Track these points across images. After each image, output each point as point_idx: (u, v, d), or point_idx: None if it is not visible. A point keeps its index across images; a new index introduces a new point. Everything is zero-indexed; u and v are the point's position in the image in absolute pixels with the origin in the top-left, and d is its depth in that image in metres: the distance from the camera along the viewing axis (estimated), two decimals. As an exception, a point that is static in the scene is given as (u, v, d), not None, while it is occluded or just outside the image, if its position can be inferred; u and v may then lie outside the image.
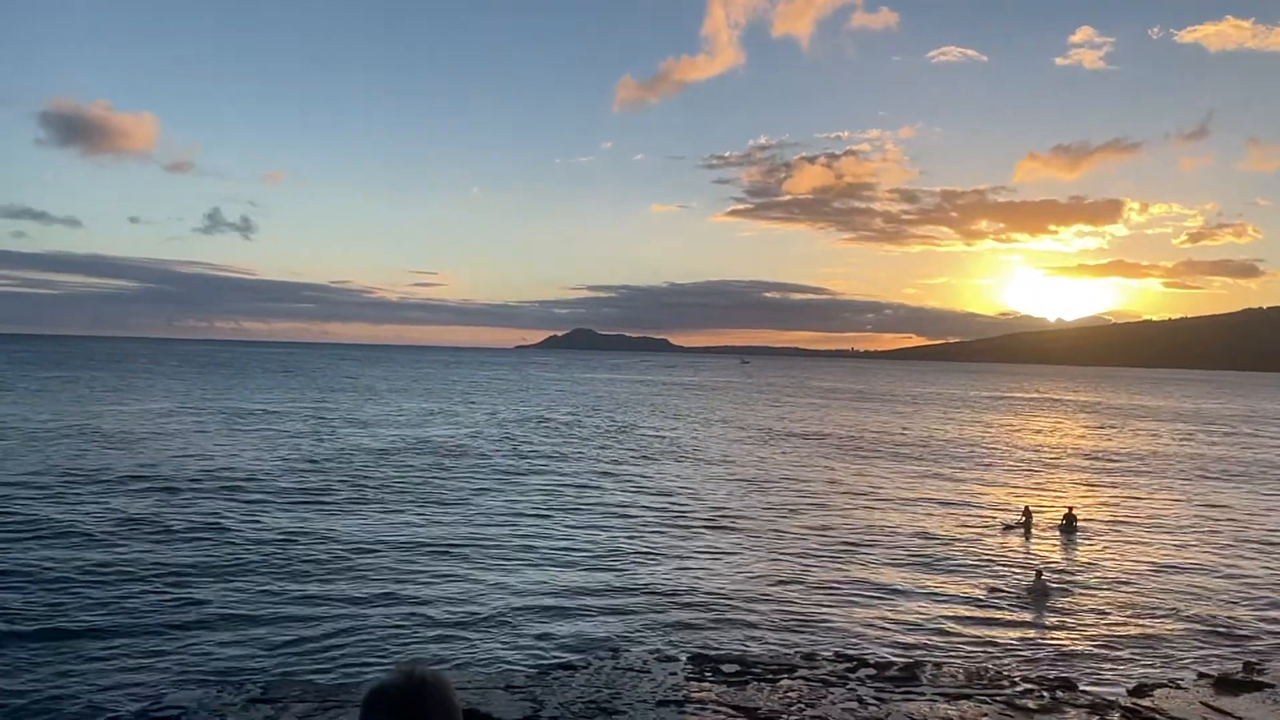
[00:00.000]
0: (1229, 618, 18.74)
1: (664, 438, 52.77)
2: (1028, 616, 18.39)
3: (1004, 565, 22.45)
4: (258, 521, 24.34)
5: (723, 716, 9.80)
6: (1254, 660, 14.76)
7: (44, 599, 16.68)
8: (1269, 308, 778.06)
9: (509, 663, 14.15)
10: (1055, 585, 20.27)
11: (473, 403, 79.09)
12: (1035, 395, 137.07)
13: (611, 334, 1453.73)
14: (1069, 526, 26.82)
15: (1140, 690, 12.21)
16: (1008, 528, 27.07)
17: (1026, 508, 28.42)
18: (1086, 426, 75.97)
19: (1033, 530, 26.71)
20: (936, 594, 19.79)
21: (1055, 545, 25.47)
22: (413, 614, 16.99)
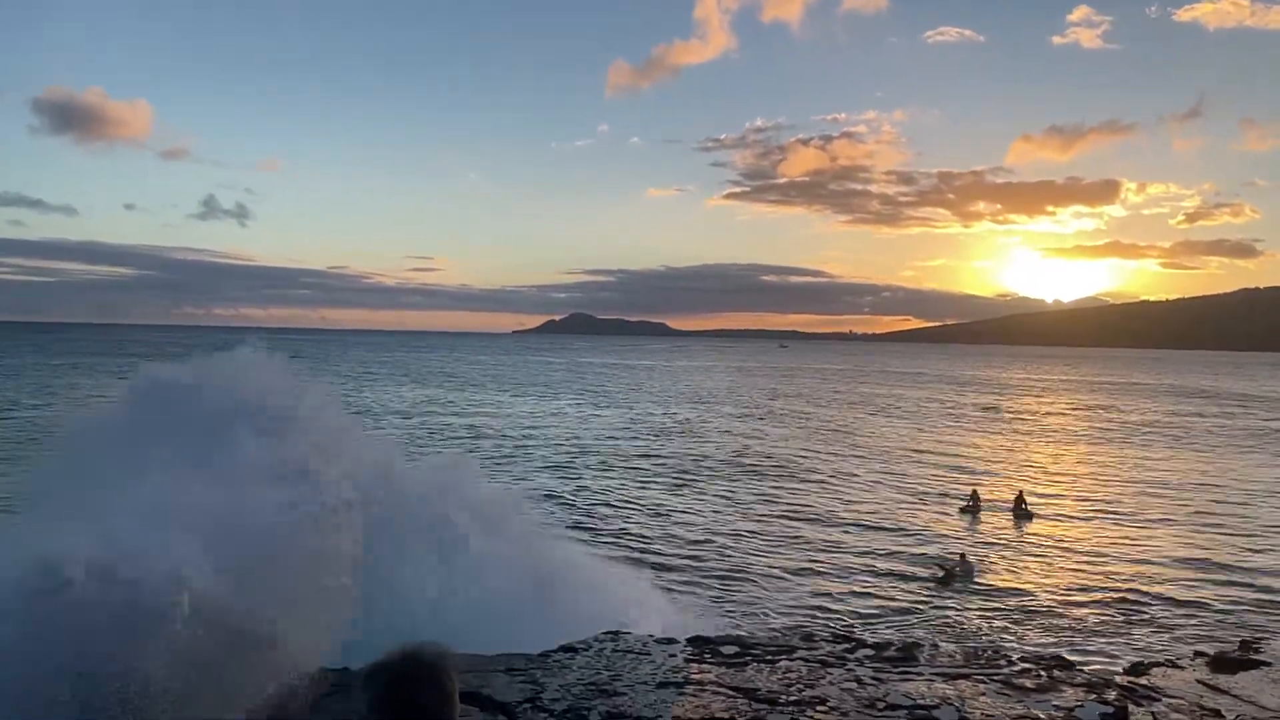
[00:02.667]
0: (1215, 596, 18.84)
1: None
2: (978, 597, 18.54)
3: (950, 547, 22.74)
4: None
5: (722, 697, 9.84)
6: (1250, 639, 14.81)
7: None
8: (1266, 288, 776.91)
9: (508, 644, 14.19)
10: (982, 567, 20.57)
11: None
12: (1026, 376, 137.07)
13: (610, 318, 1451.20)
14: (1019, 509, 27.27)
15: (1137, 669, 12.25)
16: (963, 510, 27.66)
17: (974, 490, 29.06)
18: (1070, 406, 76.13)
19: (980, 512, 27.28)
20: (889, 575, 20.12)
21: (1002, 527, 25.85)
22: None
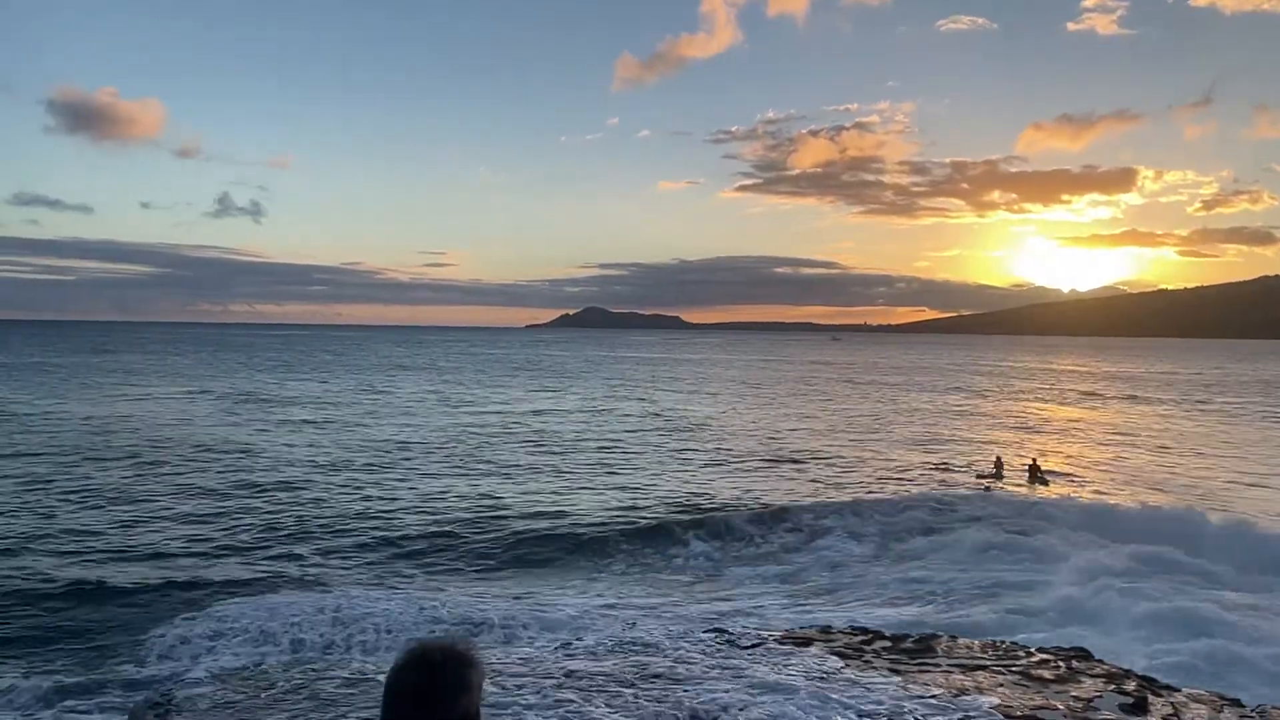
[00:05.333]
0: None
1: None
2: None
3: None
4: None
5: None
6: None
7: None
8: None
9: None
10: None
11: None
12: (1048, 365, 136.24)
13: (624, 312, 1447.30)
14: (1034, 476, 28.06)
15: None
16: (980, 475, 28.61)
17: (998, 457, 29.82)
18: (1086, 393, 75.69)
19: (1003, 478, 28.32)
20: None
21: (1021, 493, 26.75)
22: (441, 600, 17.15)
